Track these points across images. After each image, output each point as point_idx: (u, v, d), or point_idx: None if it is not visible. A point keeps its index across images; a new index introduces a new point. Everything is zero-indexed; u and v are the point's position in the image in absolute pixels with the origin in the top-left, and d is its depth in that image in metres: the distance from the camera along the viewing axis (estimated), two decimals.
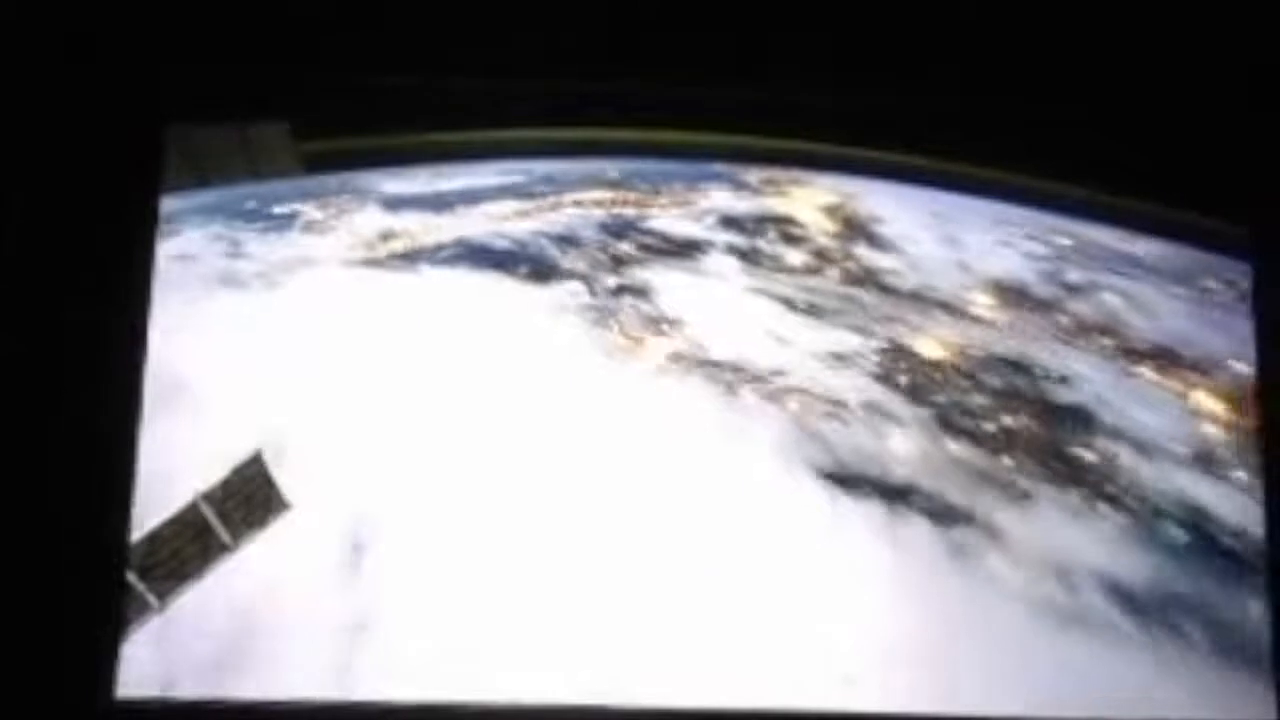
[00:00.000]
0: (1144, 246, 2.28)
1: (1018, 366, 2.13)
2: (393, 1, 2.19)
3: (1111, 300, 2.26)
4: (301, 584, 2.03)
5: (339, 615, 2.01)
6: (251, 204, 2.39)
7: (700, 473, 2.02)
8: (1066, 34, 2.22)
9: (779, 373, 2.11)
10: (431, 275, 2.30)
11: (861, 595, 1.94)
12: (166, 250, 2.15)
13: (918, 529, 2.00)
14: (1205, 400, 2.16)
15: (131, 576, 1.99)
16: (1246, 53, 2.23)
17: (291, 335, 2.22)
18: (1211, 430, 2.13)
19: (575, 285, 2.24)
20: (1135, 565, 2.01)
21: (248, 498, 2.14)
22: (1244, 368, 2.18)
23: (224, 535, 2.09)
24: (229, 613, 2.01)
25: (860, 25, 2.22)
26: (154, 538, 2.04)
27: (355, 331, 2.21)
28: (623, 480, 2.01)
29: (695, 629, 1.92)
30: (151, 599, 2.01)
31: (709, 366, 2.15)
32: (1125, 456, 2.08)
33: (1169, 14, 2.21)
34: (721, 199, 2.28)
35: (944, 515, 1.99)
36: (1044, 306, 2.20)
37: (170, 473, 2.06)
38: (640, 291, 2.24)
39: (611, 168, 2.32)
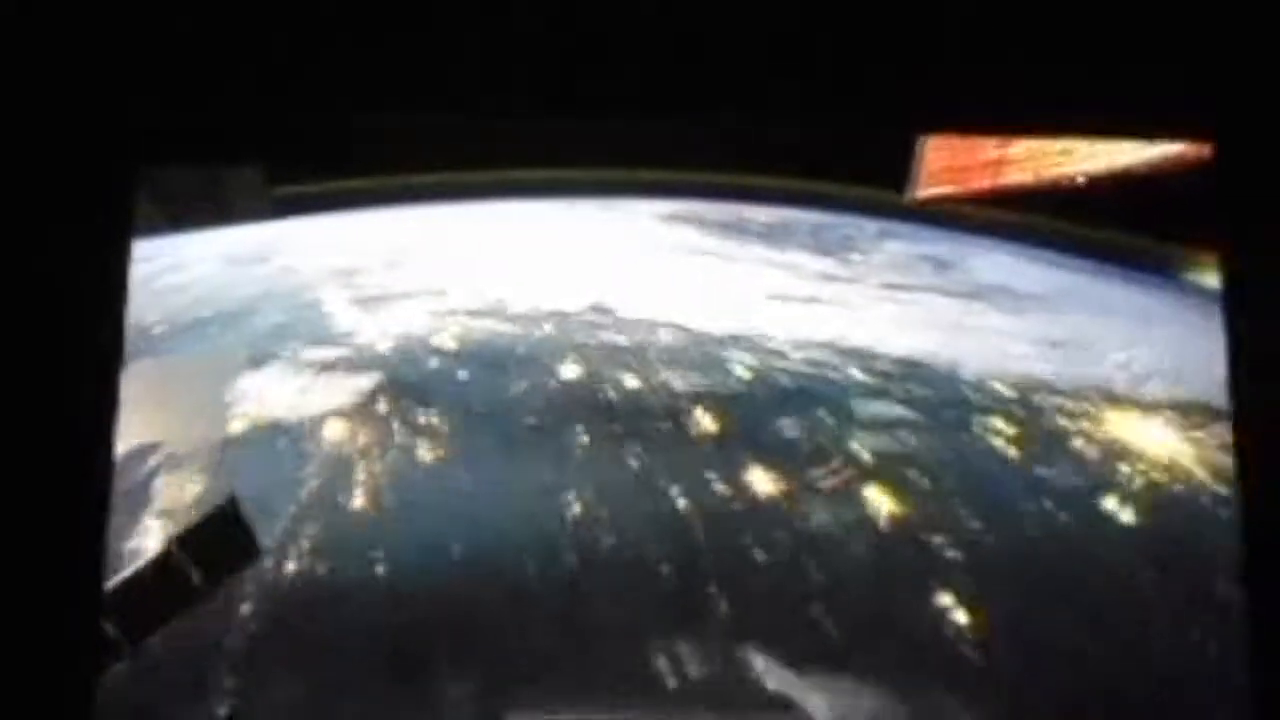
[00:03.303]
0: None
1: None
2: (361, 46, 2.17)
3: None
4: None
5: None
6: None
7: None
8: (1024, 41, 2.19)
9: None
10: None
11: None
12: None
13: None
14: None
15: (106, 623, 1.98)
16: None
17: None
18: None
19: None
20: None
21: (221, 542, 2.13)
22: None
23: (197, 580, 2.08)
24: None
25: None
26: (128, 584, 2.02)
27: None
28: None
29: None
30: (126, 645, 2.00)
31: None
32: None
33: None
34: None
35: None
36: None
37: None
38: None
39: None
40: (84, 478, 1.96)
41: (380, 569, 2.30)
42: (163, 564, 2.08)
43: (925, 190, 3.25)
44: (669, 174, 3.29)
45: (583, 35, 2.14)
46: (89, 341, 2.01)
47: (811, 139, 2.57)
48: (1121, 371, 3.80)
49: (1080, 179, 2.87)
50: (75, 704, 1.89)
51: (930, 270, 4.29)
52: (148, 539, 2.46)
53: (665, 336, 3.89)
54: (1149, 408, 3.63)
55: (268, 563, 2.31)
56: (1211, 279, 2.80)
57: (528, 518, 2.50)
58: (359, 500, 2.61)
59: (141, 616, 2.02)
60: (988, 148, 3.07)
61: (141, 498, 2.62)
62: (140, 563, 2.06)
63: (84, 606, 1.93)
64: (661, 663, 2.05)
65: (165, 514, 2.56)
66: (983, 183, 3.16)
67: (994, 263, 4.16)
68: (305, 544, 2.40)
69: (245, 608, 2.15)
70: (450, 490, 2.65)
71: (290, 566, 2.31)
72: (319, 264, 4.00)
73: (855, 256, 4.40)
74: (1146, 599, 2.41)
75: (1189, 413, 3.58)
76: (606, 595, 2.23)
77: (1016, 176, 3.06)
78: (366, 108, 2.17)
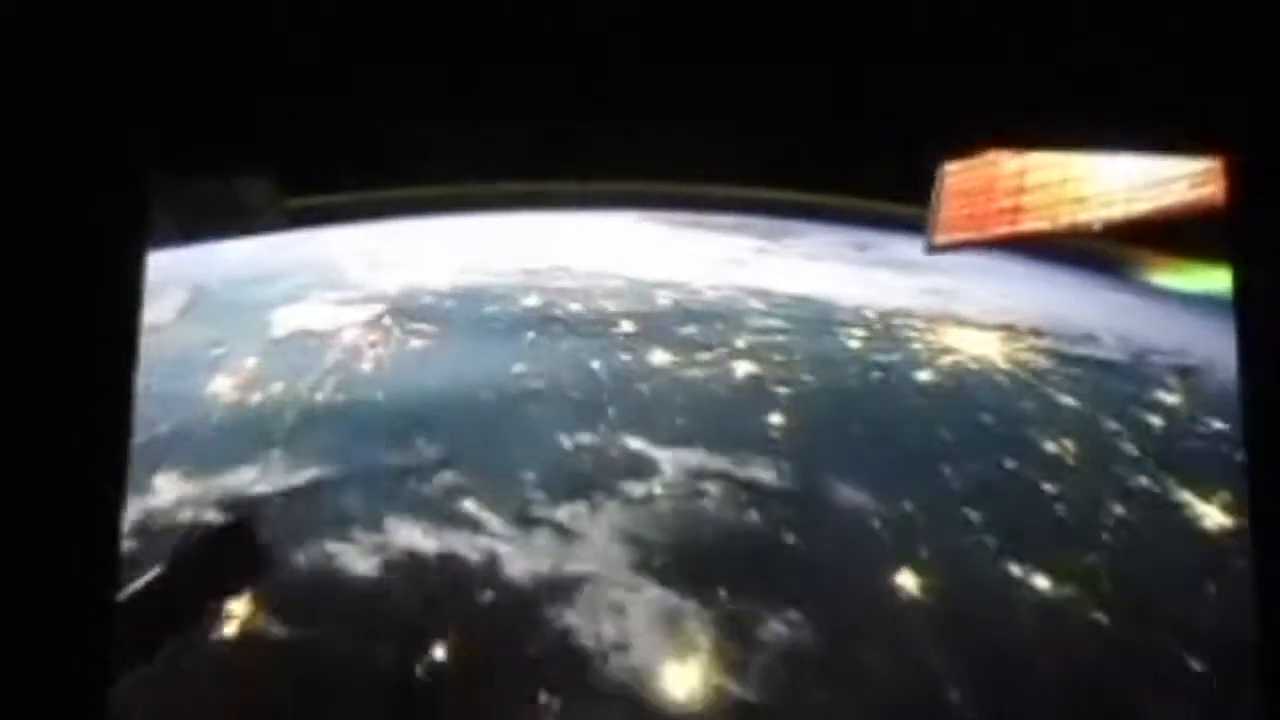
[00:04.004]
0: None
1: None
2: (375, 57, 2.17)
3: None
4: None
5: None
6: None
7: None
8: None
9: None
10: None
11: None
12: None
13: None
14: None
15: (118, 634, 1.92)
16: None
17: None
18: None
19: None
20: None
21: (231, 555, 2.18)
22: None
23: (209, 591, 2.12)
24: None
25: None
26: (138, 596, 2.02)
27: None
28: None
29: None
30: (137, 657, 2.00)
31: None
32: None
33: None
34: None
35: None
36: None
37: None
38: None
39: None
40: (98, 492, 1.93)
41: (380, 396, 3.34)
42: (172, 576, 2.07)
43: (944, 238, 3.31)
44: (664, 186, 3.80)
45: (591, 43, 2.14)
46: (103, 353, 1.99)
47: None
48: (979, 308, 4.79)
49: (1097, 226, 2.90)
50: (87, 716, 1.86)
51: (849, 249, 5.30)
52: (219, 387, 3.52)
53: (610, 282, 4.95)
54: (987, 327, 4.66)
55: (303, 392, 3.35)
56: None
57: (484, 373, 3.54)
58: (367, 365, 3.67)
59: (152, 628, 2.02)
60: (1004, 196, 3.12)
61: (213, 369, 3.68)
62: (149, 575, 2.07)
63: (96, 618, 1.90)
64: (565, 441, 3.07)
65: (229, 372, 3.62)
66: (1000, 229, 3.21)
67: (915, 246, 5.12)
68: (328, 387, 3.45)
69: (290, 415, 3.18)
70: (431, 360, 3.70)
71: (319, 397, 3.35)
72: (341, 247, 5.09)
73: (789, 240, 5.44)
74: (917, 416, 3.42)
75: (1019, 330, 4.64)
76: (534, 409, 3.26)
77: (1033, 224, 3.10)
78: (379, 118, 2.21)
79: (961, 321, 4.64)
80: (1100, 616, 2.40)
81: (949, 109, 2.14)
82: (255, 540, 2.20)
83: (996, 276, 4.97)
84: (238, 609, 2.23)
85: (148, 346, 3.71)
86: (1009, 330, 4.60)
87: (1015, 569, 2.55)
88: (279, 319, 4.37)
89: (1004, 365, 4.17)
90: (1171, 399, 3.94)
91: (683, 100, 2.16)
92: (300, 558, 2.43)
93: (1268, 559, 2.01)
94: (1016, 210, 3.10)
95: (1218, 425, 3.69)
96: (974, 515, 2.81)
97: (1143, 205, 2.72)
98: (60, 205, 2.01)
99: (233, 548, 2.16)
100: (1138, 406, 3.79)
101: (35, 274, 1.98)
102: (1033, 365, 4.11)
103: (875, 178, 3.22)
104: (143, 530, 2.52)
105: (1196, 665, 2.27)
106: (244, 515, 2.26)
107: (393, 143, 2.44)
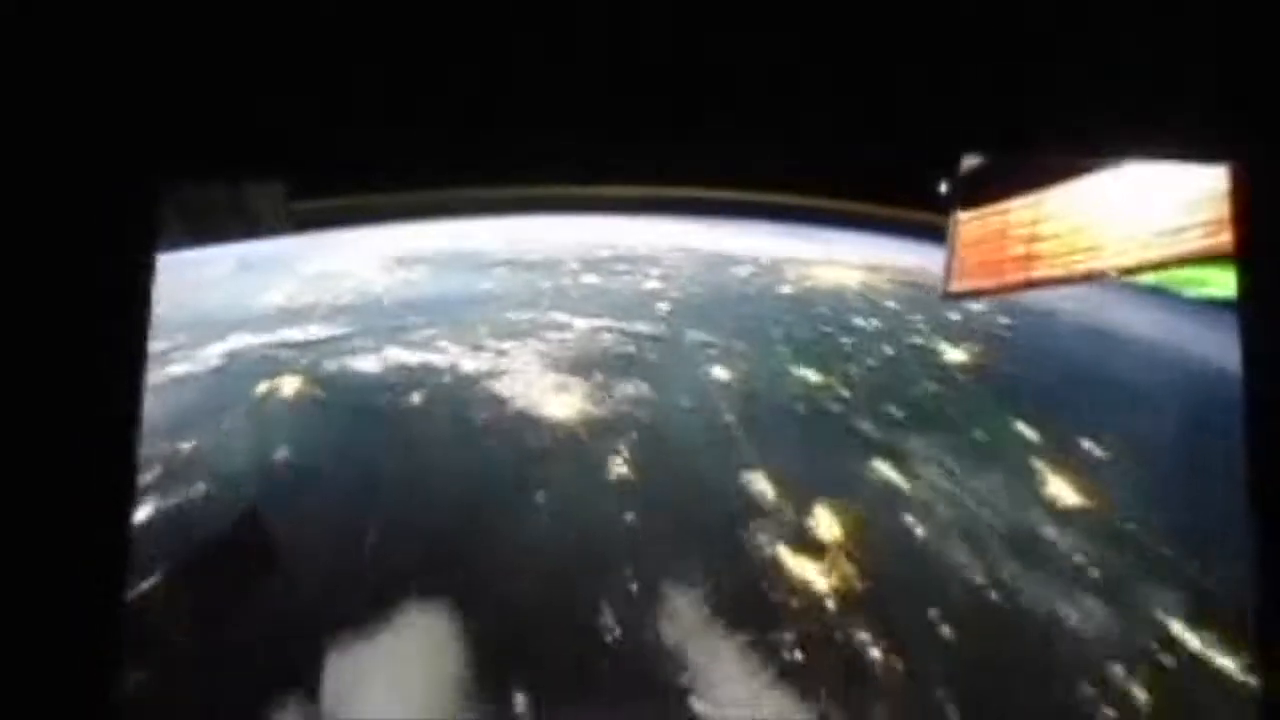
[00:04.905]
0: None
1: None
2: (382, 64, 2.19)
3: None
4: None
5: None
6: None
7: None
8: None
9: None
10: None
11: None
12: None
13: None
14: None
15: (129, 631, 1.95)
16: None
17: None
18: None
19: None
20: None
21: (241, 553, 2.14)
22: None
23: (218, 590, 2.11)
24: None
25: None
26: (151, 593, 2.03)
27: None
28: None
29: None
30: (148, 653, 2.03)
31: None
32: None
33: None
34: None
35: None
36: None
37: None
38: None
39: None
40: (107, 492, 1.95)
41: (385, 300, 4.73)
42: (182, 574, 2.05)
43: (959, 285, 3.34)
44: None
45: (608, 58, 2.17)
46: (112, 355, 2.00)
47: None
48: (861, 259, 6.10)
49: (1111, 274, 2.87)
50: (99, 713, 1.88)
51: (780, 228, 6.64)
52: (269, 299, 4.91)
53: (569, 244, 6.31)
54: (853, 267, 5.98)
55: (328, 298, 4.74)
56: None
57: (459, 288, 4.93)
58: (374, 288, 5.06)
59: (161, 626, 2.03)
60: (1018, 243, 3.11)
61: (264, 290, 5.08)
62: (159, 574, 2.04)
63: (105, 617, 1.91)
64: (511, 315, 4.44)
65: (275, 291, 5.01)
66: (1014, 277, 3.20)
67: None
68: (347, 296, 4.84)
69: (321, 309, 4.56)
70: (420, 283, 5.10)
71: (342, 301, 4.73)
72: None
73: (734, 228, 6.79)
74: (769, 306, 4.76)
75: (881, 270, 5.97)
76: (493, 303, 4.64)
77: (1047, 271, 3.09)
78: (387, 124, 2.21)
79: (837, 264, 5.97)
80: (843, 391, 3.72)
81: (953, 115, 2.14)
82: (265, 540, 2.19)
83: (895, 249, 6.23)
84: (291, 385, 3.58)
85: (214, 289, 5.21)
86: (873, 270, 5.93)
87: (795, 369, 3.88)
88: (308, 268, 5.79)
89: (855, 289, 5.50)
90: (977, 307, 5.25)
91: (681, 102, 2.16)
92: (329, 365, 3.79)
93: (1268, 557, 1.98)
94: (1030, 258, 3.09)
95: (1002, 320, 5.00)
96: (782, 349, 4.14)
97: (1156, 253, 2.70)
98: (71, 210, 2.04)
99: (245, 541, 2.15)
100: (945, 309, 5.10)
101: (46, 277, 2.01)
102: (878, 289, 5.43)
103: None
104: (232, 354, 3.91)
105: (896, 413, 3.59)
106: (252, 509, 2.25)
107: (395, 147, 2.44)
